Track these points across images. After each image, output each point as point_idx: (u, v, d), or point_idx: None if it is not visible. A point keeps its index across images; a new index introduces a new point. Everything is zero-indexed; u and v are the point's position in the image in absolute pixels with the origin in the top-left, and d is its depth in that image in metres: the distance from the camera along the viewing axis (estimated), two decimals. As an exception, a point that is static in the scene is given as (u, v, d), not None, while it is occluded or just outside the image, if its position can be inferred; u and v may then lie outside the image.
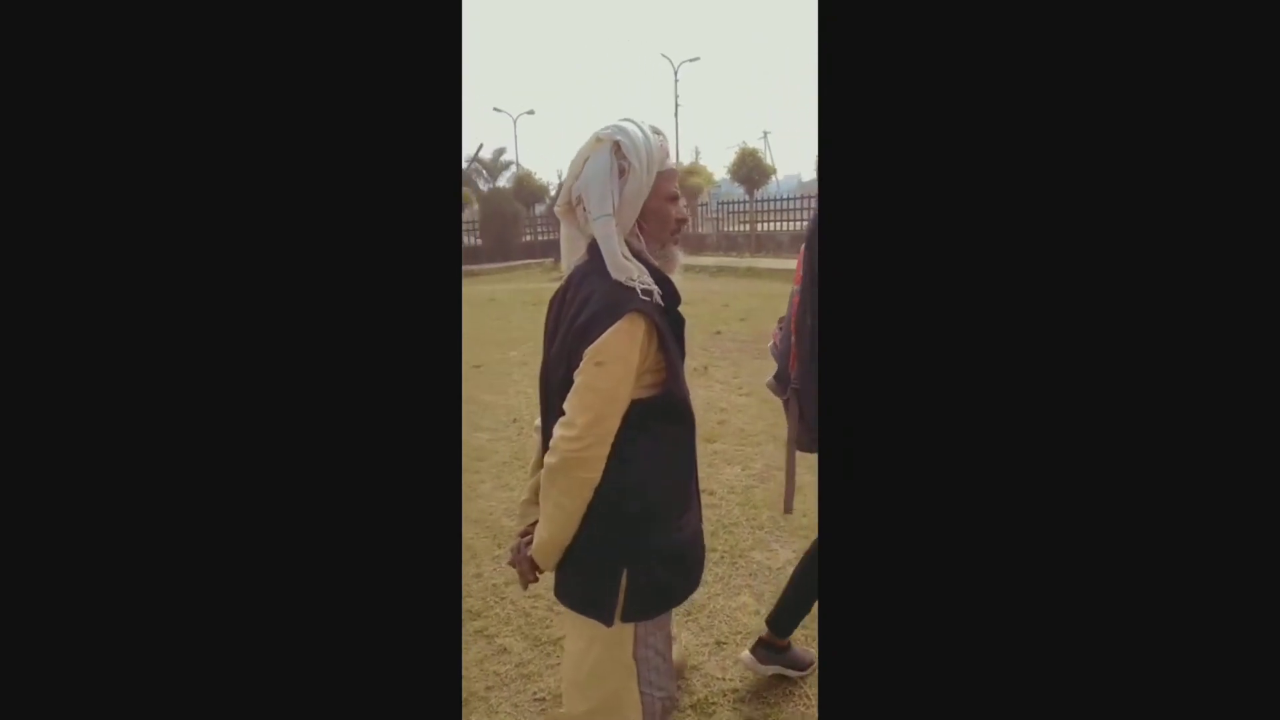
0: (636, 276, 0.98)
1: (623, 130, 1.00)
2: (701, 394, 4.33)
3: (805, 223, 15.03)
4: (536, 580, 1.13)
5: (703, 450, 3.39)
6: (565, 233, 1.12)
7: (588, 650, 1.08)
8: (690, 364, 4.86)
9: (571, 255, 1.11)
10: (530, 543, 1.07)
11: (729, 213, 16.82)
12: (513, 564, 1.13)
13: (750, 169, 16.01)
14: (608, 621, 1.04)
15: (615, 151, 0.99)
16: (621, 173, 0.99)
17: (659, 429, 1.03)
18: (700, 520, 1.16)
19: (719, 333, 6.29)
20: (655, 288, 0.99)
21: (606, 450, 0.97)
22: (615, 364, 0.94)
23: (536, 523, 1.07)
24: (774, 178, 16.91)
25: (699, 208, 17.73)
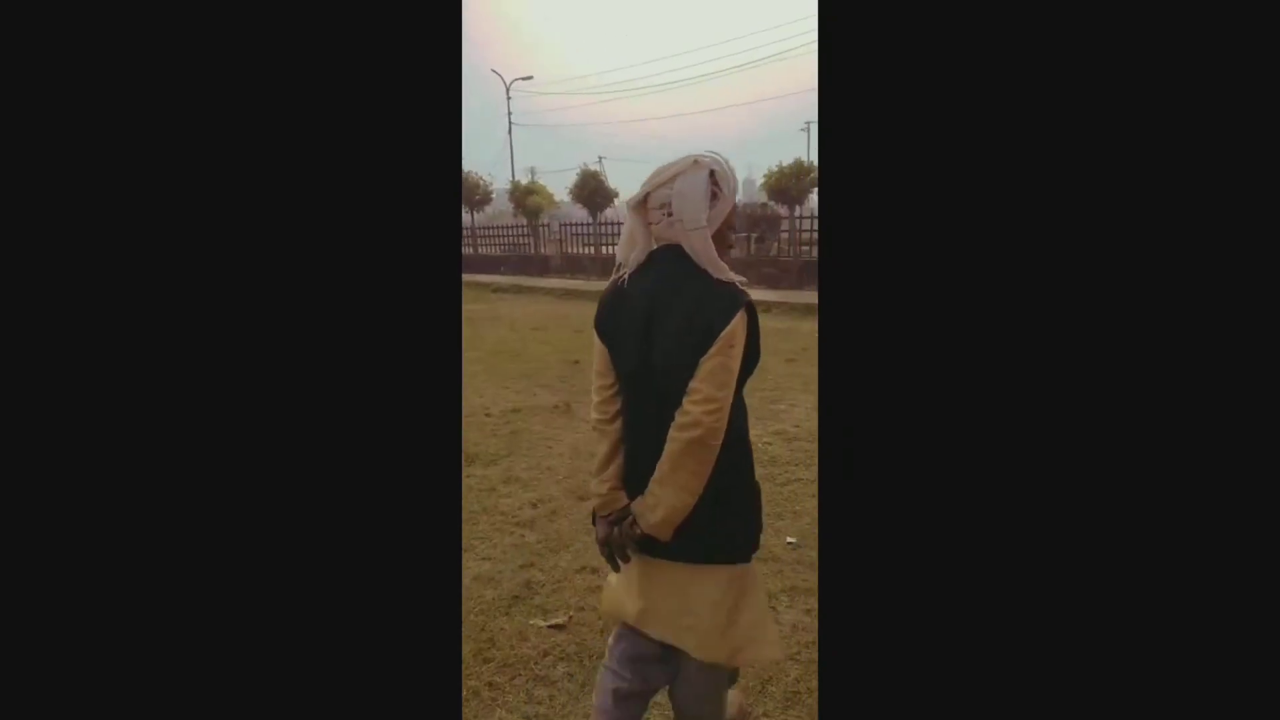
0: (734, 275, 1.18)
1: (717, 161, 1.19)
2: (566, 439, 3.82)
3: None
4: (629, 561, 1.27)
5: (576, 509, 2.90)
6: (630, 229, 1.25)
7: (724, 596, 1.21)
8: (550, 400, 4.35)
9: (632, 248, 1.25)
10: (633, 523, 1.20)
11: (572, 234, 16.54)
12: (608, 550, 1.26)
13: (592, 191, 15.88)
14: (747, 559, 1.24)
15: (710, 177, 1.17)
16: (714, 196, 1.17)
17: (742, 393, 1.23)
18: None
19: (578, 362, 5.82)
20: (743, 280, 1.20)
21: (728, 419, 1.15)
22: (739, 345, 1.14)
23: (630, 505, 1.22)
24: (616, 201, 16.94)
25: (540, 228, 17.24)
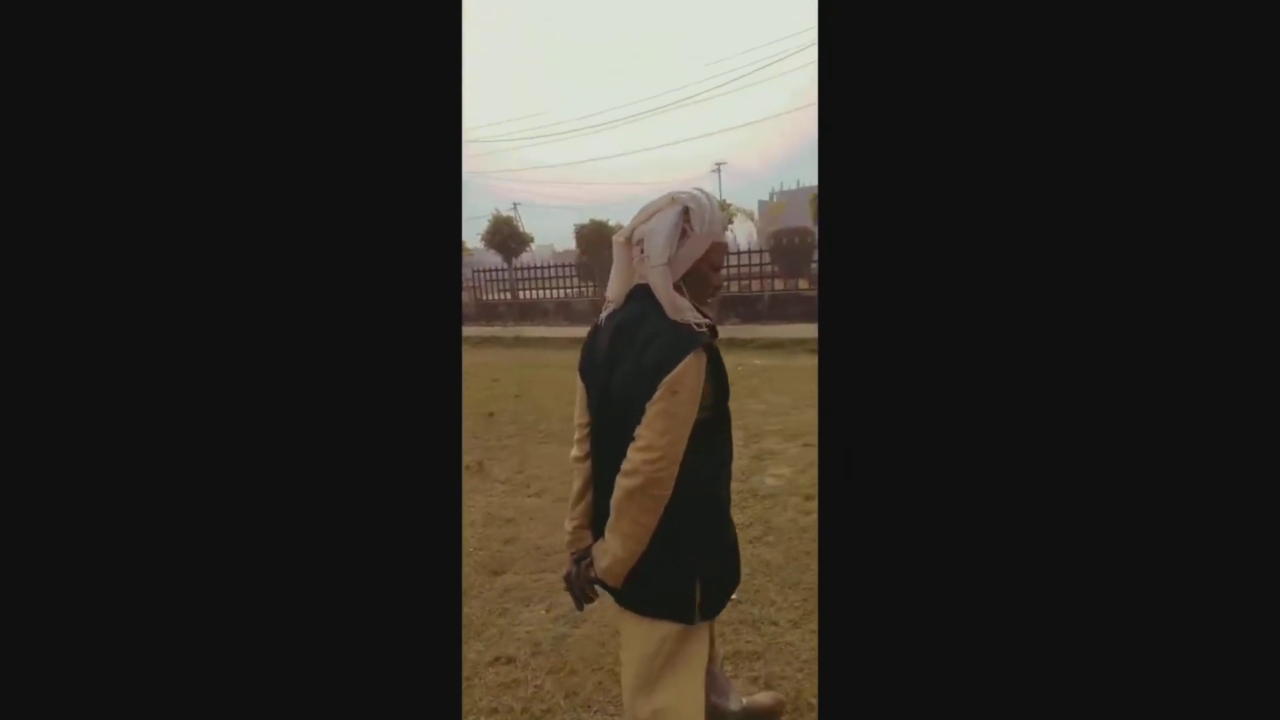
0: (691, 316, 1.13)
1: (695, 199, 1.17)
2: (478, 504, 3.44)
3: (570, 290, 14.95)
4: (593, 600, 1.27)
5: (488, 588, 2.54)
6: (616, 265, 1.24)
7: (656, 652, 1.17)
8: (463, 459, 3.93)
9: (616, 285, 1.24)
10: (590, 564, 1.21)
11: (487, 281, 16.15)
12: (570, 587, 1.28)
13: (506, 236, 15.63)
14: (691, 621, 1.16)
15: (684, 214, 1.15)
16: (683, 234, 1.15)
17: (712, 441, 1.18)
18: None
19: (492, 414, 5.44)
20: (707, 324, 1.15)
21: (677, 468, 1.10)
22: (687, 392, 1.09)
23: (591, 545, 1.23)
24: (530, 246, 16.72)
25: (455, 277, 16.74)
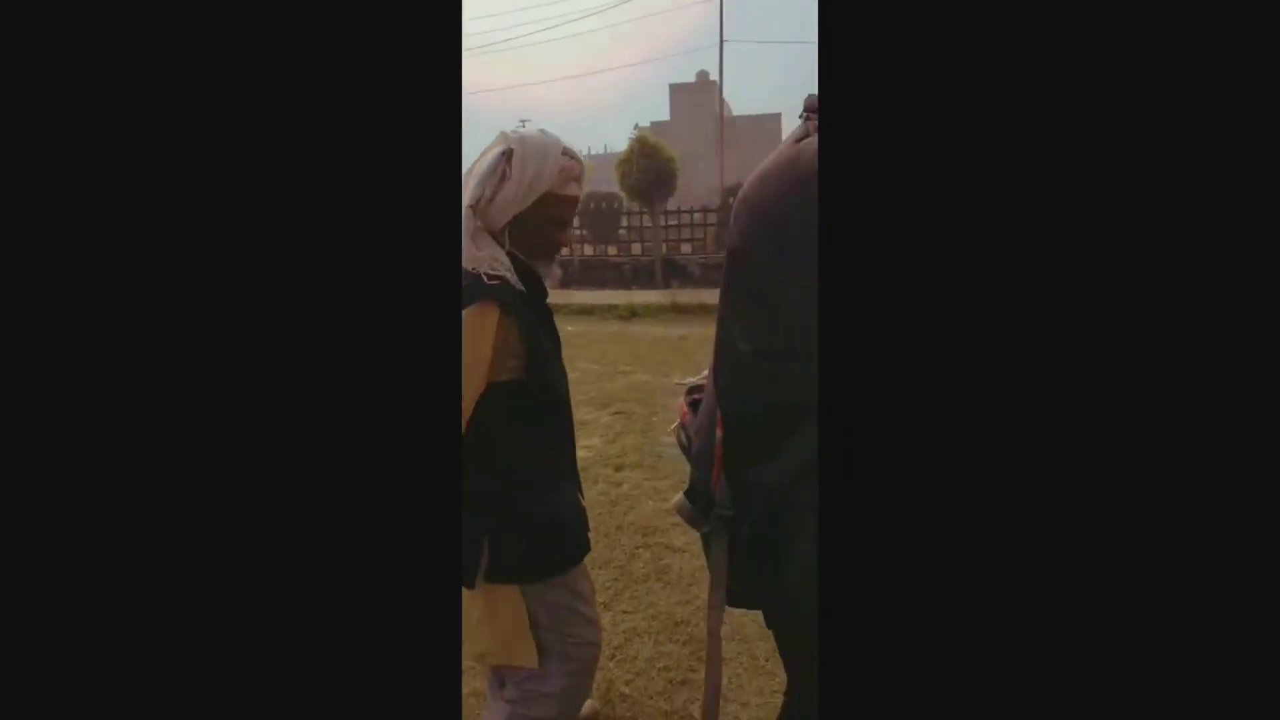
0: (485, 267, 1.03)
1: (522, 141, 1.07)
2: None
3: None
4: None
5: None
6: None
7: (474, 603, 1.16)
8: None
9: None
10: None
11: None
12: None
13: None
14: (469, 584, 1.13)
15: (504, 156, 1.06)
16: (502, 177, 1.06)
17: (524, 408, 1.10)
18: (577, 492, 1.25)
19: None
20: (505, 275, 1.05)
21: (459, 426, 1.07)
22: (465, 347, 1.00)
23: None
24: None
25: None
